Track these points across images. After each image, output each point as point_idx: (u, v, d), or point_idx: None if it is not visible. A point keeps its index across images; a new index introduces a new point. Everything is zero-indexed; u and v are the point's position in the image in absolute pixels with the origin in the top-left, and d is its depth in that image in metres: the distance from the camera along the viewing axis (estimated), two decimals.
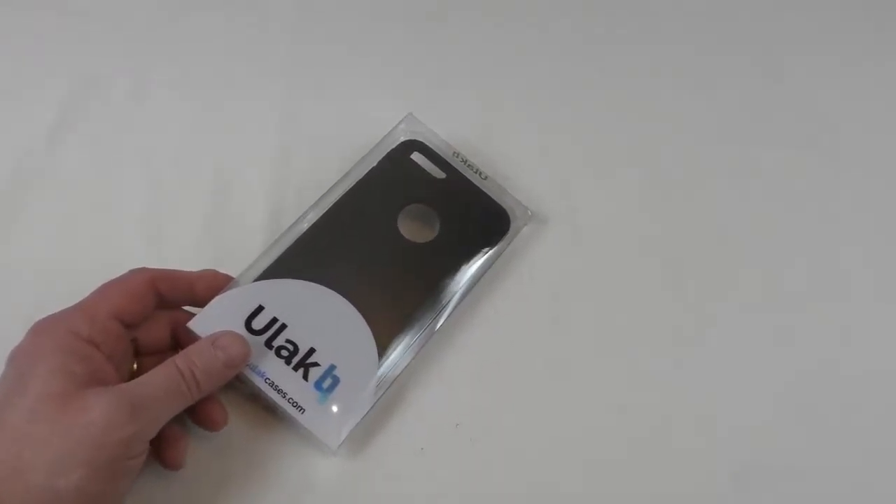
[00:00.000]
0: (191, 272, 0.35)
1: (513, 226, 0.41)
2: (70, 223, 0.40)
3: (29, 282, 0.31)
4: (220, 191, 0.42)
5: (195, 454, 0.34)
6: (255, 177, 0.42)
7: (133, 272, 0.33)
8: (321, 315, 0.36)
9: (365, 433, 0.36)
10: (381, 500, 0.35)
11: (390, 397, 0.36)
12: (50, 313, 0.31)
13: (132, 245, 0.40)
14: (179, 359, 0.31)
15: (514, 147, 0.46)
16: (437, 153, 0.42)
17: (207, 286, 0.35)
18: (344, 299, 0.37)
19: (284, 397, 0.34)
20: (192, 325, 0.34)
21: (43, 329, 0.30)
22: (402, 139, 0.42)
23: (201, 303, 0.35)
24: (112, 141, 0.43)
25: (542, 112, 0.48)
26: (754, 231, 0.44)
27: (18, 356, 0.29)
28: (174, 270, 0.34)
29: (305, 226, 0.38)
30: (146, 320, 0.33)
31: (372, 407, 0.35)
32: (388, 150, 0.41)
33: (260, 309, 0.35)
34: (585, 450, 0.36)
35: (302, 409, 0.34)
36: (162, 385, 0.30)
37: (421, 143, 0.42)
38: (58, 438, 0.27)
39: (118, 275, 0.33)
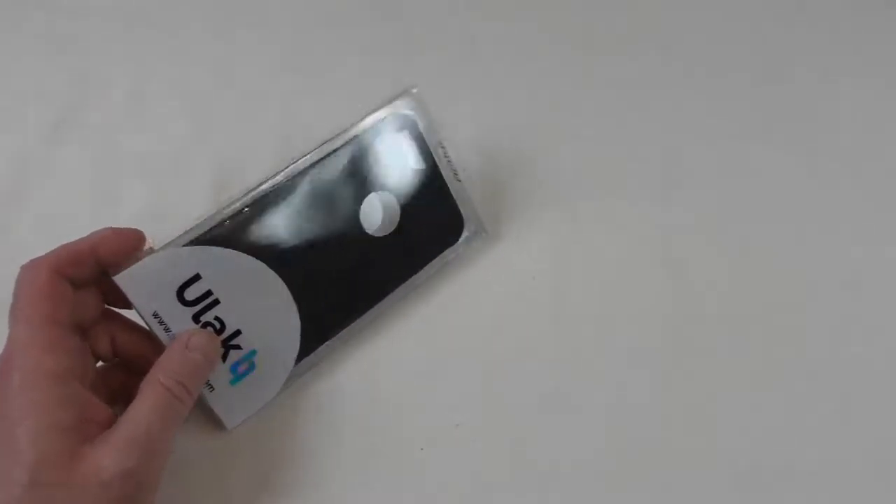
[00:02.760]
0: (87, 239, 0.30)
1: (463, 237, 0.40)
2: (70, 223, 0.35)
3: None
4: (220, 191, 0.42)
5: None
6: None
7: (28, 273, 0.28)
8: (255, 296, 0.34)
9: (364, 433, 0.36)
10: (381, 500, 0.34)
11: (388, 396, 0.37)
12: None
13: None
14: (161, 375, 0.29)
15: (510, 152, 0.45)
16: (423, 139, 0.38)
17: (111, 250, 0.30)
18: (282, 282, 0.35)
19: None
20: (120, 279, 0.31)
21: (8, 380, 0.26)
22: (394, 113, 0.37)
23: (111, 267, 0.31)
24: (112, 140, 0.44)
25: (540, 113, 0.47)
26: (754, 231, 0.44)
27: None
28: (68, 246, 0.30)
29: (261, 191, 0.34)
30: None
31: (275, 397, 0.36)
32: (375, 122, 0.37)
33: (196, 278, 0.32)
34: (585, 450, 0.36)
35: (211, 388, 0.34)
36: (158, 412, 0.28)
37: (413, 121, 0.37)
38: (76, 502, 0.25)
39: None
